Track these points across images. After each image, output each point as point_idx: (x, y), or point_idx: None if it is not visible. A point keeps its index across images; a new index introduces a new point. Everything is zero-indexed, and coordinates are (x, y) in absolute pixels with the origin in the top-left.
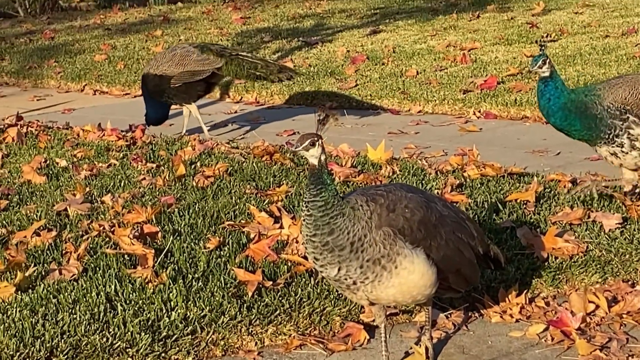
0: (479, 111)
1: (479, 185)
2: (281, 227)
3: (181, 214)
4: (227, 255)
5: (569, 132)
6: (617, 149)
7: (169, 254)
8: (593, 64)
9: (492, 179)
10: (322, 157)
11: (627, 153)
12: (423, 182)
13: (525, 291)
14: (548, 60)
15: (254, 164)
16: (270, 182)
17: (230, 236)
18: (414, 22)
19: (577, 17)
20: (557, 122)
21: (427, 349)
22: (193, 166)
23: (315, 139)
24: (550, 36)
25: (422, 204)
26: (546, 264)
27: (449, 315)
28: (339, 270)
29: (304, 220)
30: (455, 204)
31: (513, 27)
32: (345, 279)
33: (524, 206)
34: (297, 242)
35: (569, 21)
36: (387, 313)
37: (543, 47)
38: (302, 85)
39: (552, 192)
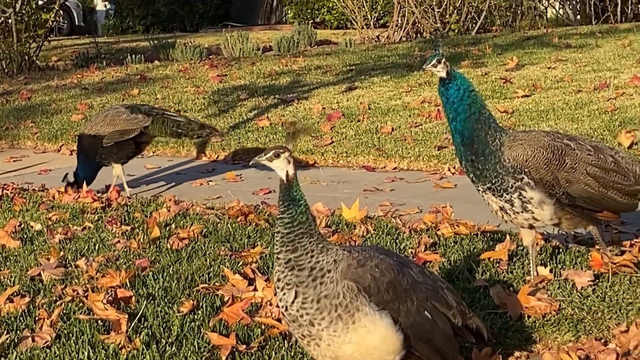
0: (454, 167)
1: (453, 244)
2: (255, 290)
3: (155, 277)
4: (201, 318)
5: (461, 145)
6: (506, 204)
7: (143, 318)
8: (566, 119)
9: (466, 237)
10: (291, 171)
11: (518, 213)
12: (397, 241)
13: (498, 351)
14: (444, 60)
15: (228, 225)
16: (244, 243)
17: (204, 299)
18: (389, 78)
19: (550, 72)
20: (458, 126)
21: None
22: (168, 228)
23: (281, 150)
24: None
25: (394, 267)
26: (519, 323)
27: None
28: (295, 296)
29: (273, 237)
30: (428, 263)
31: (487, 83)
32: (302, 316)
33: (497, 265)
34: (270, 304)
35: (542, 76)
36: None
37: (438, 47)
38: (277, 142)
39: (525, 250)
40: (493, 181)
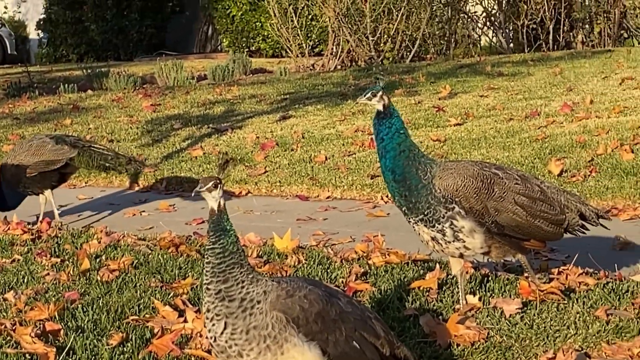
0: (387, 196)
1: (384, 273)
2: (185, 321)
3: (85, 309)
4: (130, 351)
5: (393, 182)
6: (438, 234)
7: (72, 351)
8: (497, 147)
9: (397, 266)
10: (222, 202)
11: (450, 242)
12: (328, 270)
13: None
14: (381, 94)
15: (160, 256)
16: (175, 275)
17: (134, 331)
18: (323, 107)
19: (482, 100)
20: (388, 163)
21: None
22: (98, 260)
23: (218, 181)
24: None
25: (323, 298)
26: (448, 351)
27: None
28: (225, 327)
29: (203, 267)
30: (359, 292)
31: (420, 111)
32: (231, 347)
33: (427, 293)
34: (200, 335)
35: (475, 104)
36: None
37: (379, 80)
38: (211, 172)
39: (454, 278)
40: (425, 212)
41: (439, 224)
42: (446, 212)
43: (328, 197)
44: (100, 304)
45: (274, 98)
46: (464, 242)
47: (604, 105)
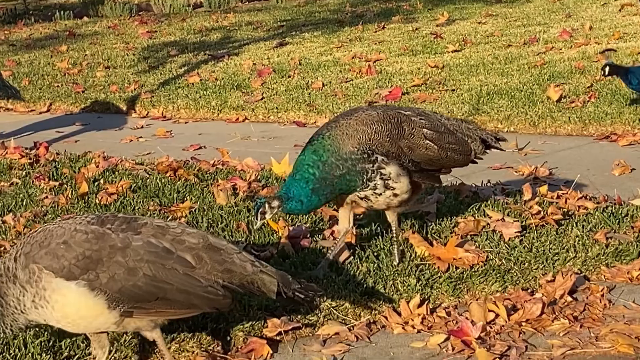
0: None
1: None
2: None
3: None
4: None
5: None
6: (369, 192)
7: None
8: (495, 74)
9: None
10: None
11: (380, 194)
12: None
13: (426, 302)
14: (262, 210)
15: (157, 180)
16: (174, 198)
17: None
18: (320, 34)
19: (480, 27)
20: (322, 202)
21: None
22: (96, 183)
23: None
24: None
25: (94, 238)
26: (447, 274)
27: (351, 328)
28: None
29: None
30: (357, 216)
31: (418, 38)
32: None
33: (426, 217)
34: None
35: (473, 31)
36: (290, 327)
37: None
38: (208, 99)
39: (454, 202)
40: (362, 179)
41: (371, 181)
42: (372, 166)
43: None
44: None
45: (271, 25)
46: (394, 188)
47: (604, 32)
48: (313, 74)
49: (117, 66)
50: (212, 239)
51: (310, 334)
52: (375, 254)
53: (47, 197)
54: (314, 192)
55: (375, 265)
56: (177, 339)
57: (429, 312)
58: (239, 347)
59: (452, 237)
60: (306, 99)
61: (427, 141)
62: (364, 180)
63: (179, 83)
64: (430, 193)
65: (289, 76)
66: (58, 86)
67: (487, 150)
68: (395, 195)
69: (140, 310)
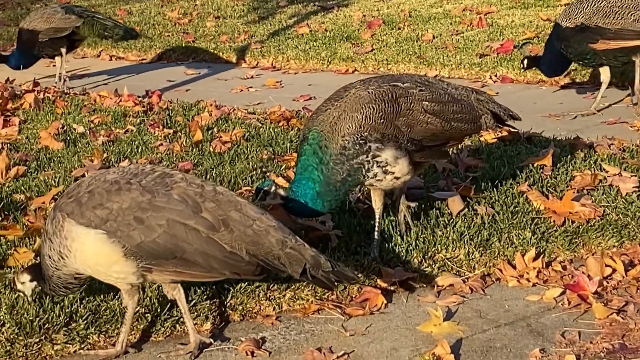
0: (496, 75)
1: (496, 149)
2: None
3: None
4: None
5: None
6: (372, 180)
7: None
8: None
9: (509, 143)
10: None
11: (381, 180)
12: None
13: (542, 255)
14: (274, 189)
15: (270, 130)
16: (287, 148)
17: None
18: None
19: None
20: (326, 208)
21: None
22: (210, 132)
23: None
24: None
25: (117, 190)
26: (563, 228)
27: (465, 280)
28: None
29: None
30: (470, 168)
31: None
32: None
33: (541, 170)
34: None
35: None
36: (405, 277)
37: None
38: (318, 50)
39: (569, 156)
40: (364, 174)
41: (370, 171)
42: (367, 157)
43: (436, 76)
44: (213, 174)
45: None
46: (393, 173)
47: None
48: (423, 26)
49: (226, 16)
50: (247, 207)
51: (424, 285)
52: (490, 205)
53: (161, 144)
54: (320, 196)
55: (490, 217)
56: (292, 287)
57: (544, 266)
58: (353, 296)
59: (568, 190)
60: (416, 51)
61: (428, 115)
62: (364, 173)
63: (289, 34)
64: (545, 146)
65: (399, 28)
66: (169, 36)
67: (500, 125)
68: (397, 178)
69: (160, 268)
